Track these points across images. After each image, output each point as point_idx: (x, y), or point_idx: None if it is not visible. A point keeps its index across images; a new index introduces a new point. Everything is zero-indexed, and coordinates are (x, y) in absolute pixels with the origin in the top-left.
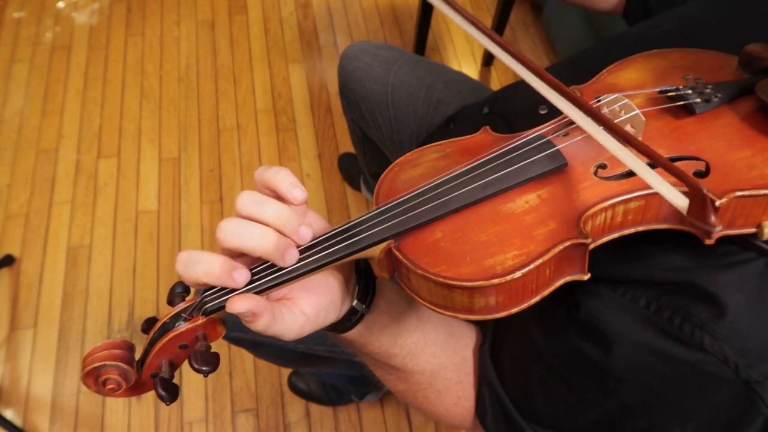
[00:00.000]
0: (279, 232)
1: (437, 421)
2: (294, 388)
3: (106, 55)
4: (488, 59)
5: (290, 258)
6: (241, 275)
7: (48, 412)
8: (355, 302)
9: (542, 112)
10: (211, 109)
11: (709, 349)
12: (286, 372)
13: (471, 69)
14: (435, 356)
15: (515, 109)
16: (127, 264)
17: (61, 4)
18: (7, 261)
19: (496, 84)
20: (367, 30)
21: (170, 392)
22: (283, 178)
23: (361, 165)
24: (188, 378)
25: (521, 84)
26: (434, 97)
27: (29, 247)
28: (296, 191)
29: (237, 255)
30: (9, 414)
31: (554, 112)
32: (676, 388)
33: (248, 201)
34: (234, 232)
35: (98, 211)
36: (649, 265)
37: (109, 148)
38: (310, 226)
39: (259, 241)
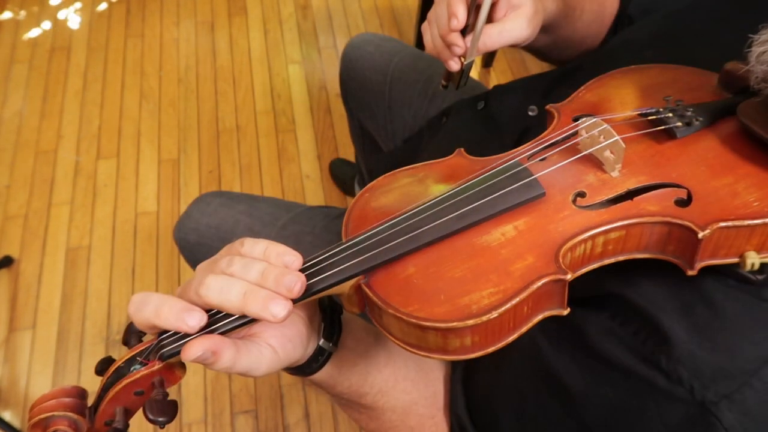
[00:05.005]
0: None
1: None
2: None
3: (105, 56)
4: (488, 60)
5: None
6: (193, 318)
7: None
8: (321, 341)
9: (531, 113)
10: (210, 110)
11: (665, 368)
12: (286, 373)
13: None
14: (406, 392)
15: (506, 108)
16: (126, 265)
17: (60, 5)
18: (6, 262)
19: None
20: (366, 31)
21: None
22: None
23: (359, 160)
24: (187, 379)
25: (515, 84)
26: (431, 90)
27: (28, 248)
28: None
29: None
30: (7, 415)
31: (543, 113)
32: (634, 406)
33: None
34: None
35: (97, 212)
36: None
37: (109, 149)
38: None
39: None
